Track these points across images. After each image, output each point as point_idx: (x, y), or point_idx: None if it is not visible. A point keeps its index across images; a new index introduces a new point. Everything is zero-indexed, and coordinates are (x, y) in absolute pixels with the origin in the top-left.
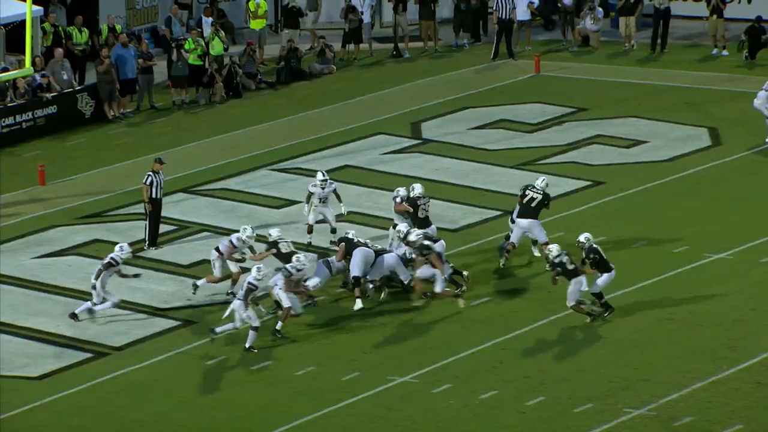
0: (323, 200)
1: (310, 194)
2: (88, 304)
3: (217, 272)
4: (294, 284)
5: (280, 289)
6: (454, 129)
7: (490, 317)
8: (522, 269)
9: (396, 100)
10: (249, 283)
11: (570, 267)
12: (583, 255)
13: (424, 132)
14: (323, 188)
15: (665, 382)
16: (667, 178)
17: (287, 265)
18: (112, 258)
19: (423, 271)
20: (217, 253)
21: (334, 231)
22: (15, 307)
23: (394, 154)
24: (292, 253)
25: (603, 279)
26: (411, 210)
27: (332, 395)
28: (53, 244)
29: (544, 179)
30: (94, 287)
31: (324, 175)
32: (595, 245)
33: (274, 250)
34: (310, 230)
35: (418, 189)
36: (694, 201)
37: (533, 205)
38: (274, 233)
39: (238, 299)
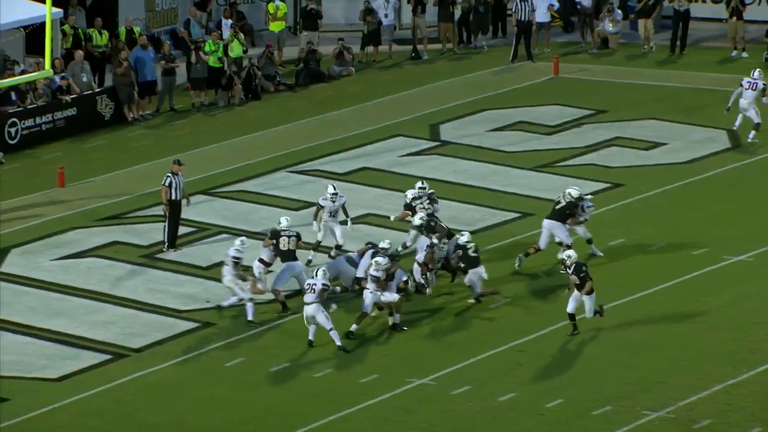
0: (333, 214)
1: (320, 208)
2: (234, 299)
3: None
4: (382, 283)
5: (369, 292)
6: (473, 131)
7: (508, 319)
8: (540, 272)
9: (414, 102)
10: (233, 256)
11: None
12: (571, 272)
13: (443, 134)
14: (333, 201)
15: (684, 385)
16: (686, 180)
17: (372, 270)
18: (234, 256)
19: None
20: (262, 266)
21: (339, 248)
22: (34, 309)
23: (412, 156)
24: (290, 252)
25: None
26: (411, 215)
27: (350, 398)
28: (72, 246)
29: (576, 189)
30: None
31: (334, 189)
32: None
33: (273, 242)
34: (316, 247)
35: (410, 193)
36: (713, 203)
37: (557, 207)
38: (283, 222)
39: (228, 272)
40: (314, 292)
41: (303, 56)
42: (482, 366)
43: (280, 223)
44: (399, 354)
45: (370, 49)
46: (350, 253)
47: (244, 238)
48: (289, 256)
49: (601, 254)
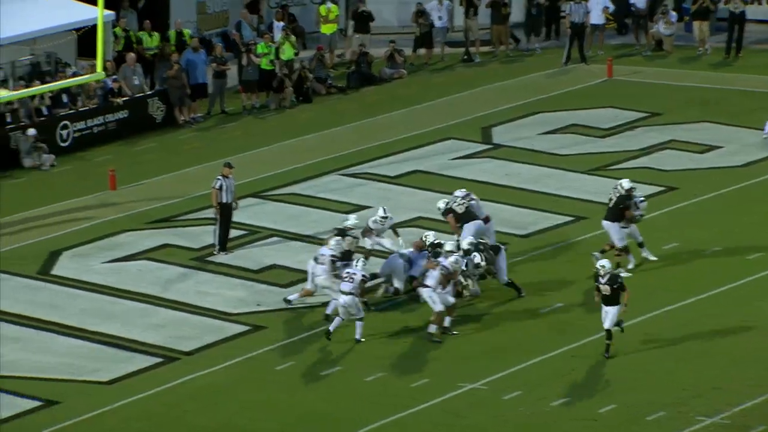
0: (380, 234)
1: (369, 230)
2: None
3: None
4: (448, 281)
5: (432, 291)
6: (525, 134)
7: (561, 324)
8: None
9: (466, 104)
10: (331, 255)
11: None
12: (604, 281)
13: (495, 137)
14: (383, 225)
15: (738, 391)
16: (741, 184)
17: (444, 262)
18: (333, 255)
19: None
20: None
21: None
22: (86, 312)
23: (464, 159)
24: (350, 253)
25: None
26: (455, 218)
27: (401, 402)
28: (123, 248)
29: (627, 181)
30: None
31: (385, 212)
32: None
33: (339, 239)
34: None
35: (440, 204)
36: None
37: (610, 206)
38: (351, 220)
39: (324, 272)
40: (353, 282)
41: (354, 59)
42: (534, 371)
43: (347, 220)
44: (451, 358)
45: (421, 51)
46: (404, 250)
47: (339, 237)
48: (348, 257)
49: (655, 258)
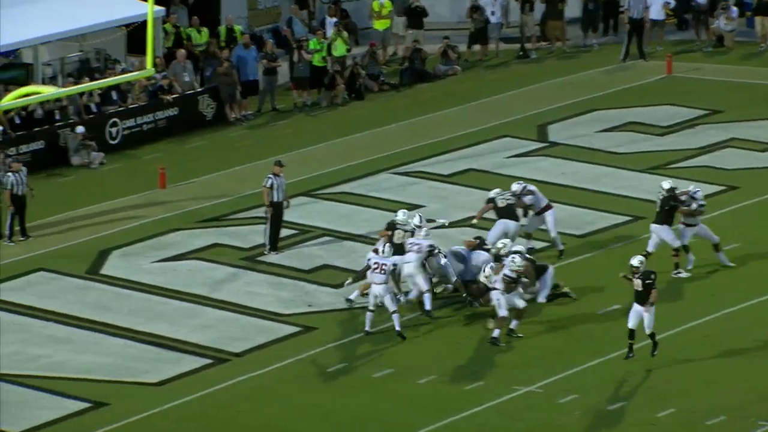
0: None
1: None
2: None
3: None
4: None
5: (500, 294)
6: (582, 132)
7: (618, 326)
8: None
9: (522, 101)
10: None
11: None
12: (637, 276)
13: (551, 135)
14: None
15: None
16: None
17: (506, 271)
18: (430, 244)
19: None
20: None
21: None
22: (135, 312)
23: (519, 157)
24: (401, 246)
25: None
26: (495, 211)
27: (454, 405)
28: (173, 248)
29: (666, 181)
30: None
31: (420, 221)
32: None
33: (390, 233)
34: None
35: (493, 192)
36: None
37: (657, 209)
38: (400, 215)
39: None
40: (384, 273)
41: (407, 55)
42: (591, 374)
43: (397, 215)
44: (506, 361)
45: (476, 47)
46: (456, 247)
47: (423, 228)
48: (398, 250)
49: (732, 264)
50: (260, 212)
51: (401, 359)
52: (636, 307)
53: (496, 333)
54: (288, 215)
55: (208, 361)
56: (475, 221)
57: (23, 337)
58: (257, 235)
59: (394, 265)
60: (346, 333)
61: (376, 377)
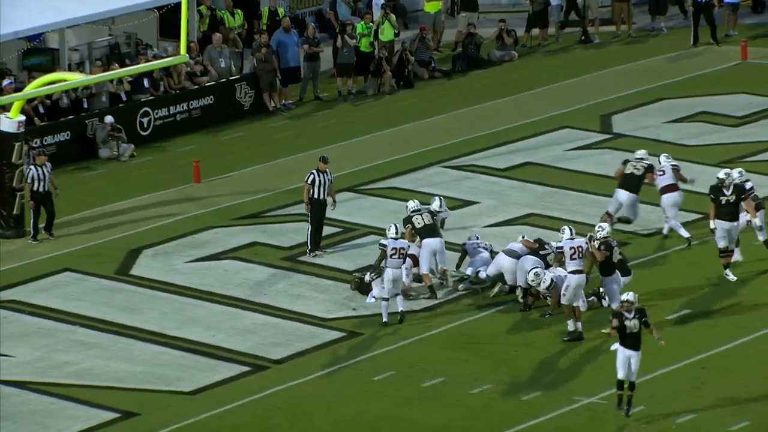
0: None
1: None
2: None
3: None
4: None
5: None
6: (649, 122)
7: (688, 332)
8: (723, 278)
9: (584, 90)
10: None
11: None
12: (633, 315)
13: (615, 126)
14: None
15: None
16: None
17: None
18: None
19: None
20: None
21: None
22: (167, 316)
23: (580, 150)
24: (427, 227)
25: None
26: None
27: (511, 417)
28: (208, 247)
29: (739, 170)
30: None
31: (441, 202)
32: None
33: (410, 227)
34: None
35: (410, 205)
36: None
37: (723, 203)
38: (410, 204)
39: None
40: (401, 257)
41: (461, 40)
42: (659, 383)
43: (408, 207)
44: (566, 370)
45: (535, 31)
46: (512, 245)
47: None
48: (427, 232)
49: (741, 259)
50: (302, 209)
51: (453, 367)
52: (627, 352)
53: (570, 326)
54: (331, 212)
55: (246, 368)
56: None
57: (48, 343)
58: (299, 233)
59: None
60: (393, 339)
61: (426, 387)
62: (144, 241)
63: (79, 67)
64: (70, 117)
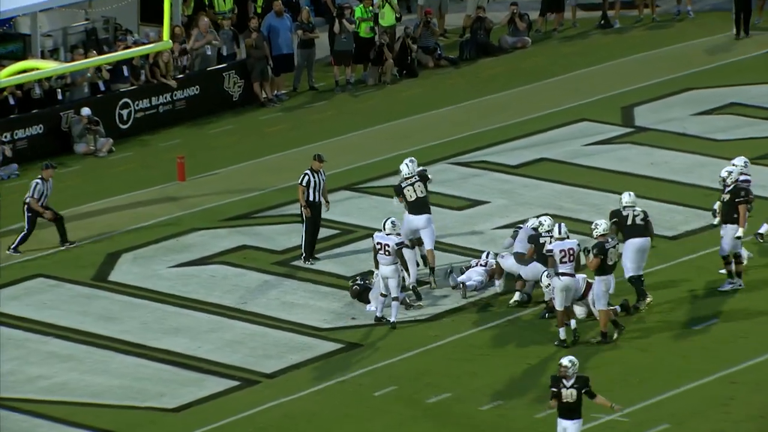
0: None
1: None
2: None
3: None
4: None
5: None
6: (674, 115)
7: (716, 343)
8: (753, 285)
9: (603, 79)
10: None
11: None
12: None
13: (637, 118)
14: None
15: None
16: None
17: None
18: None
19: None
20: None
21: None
22: (148, 325)
23: (599, 144)
24: (418, 201)
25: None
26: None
27: None
28: (193, 250)
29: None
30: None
31: (394, 225)
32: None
33: (400, 199)
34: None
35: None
36: None
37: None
38: (404, 170)
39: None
40: (389, 254)
41: (469, 24)
42: (684, 399)
43: (401, 171)
44: None
45: (550, 16)
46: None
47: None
48: (417, 206)
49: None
50: (296, 209)
51: (460, 381)
52: (563, 422)
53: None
54: (330, 214)
55: (234, 383)
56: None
57: (19, 355)
58: (292, 235)
59: (400, 243)
60: (396, 351)
61: (432, 403)
62: (123, 244)
63: (53, 54)
64: (44, 109)
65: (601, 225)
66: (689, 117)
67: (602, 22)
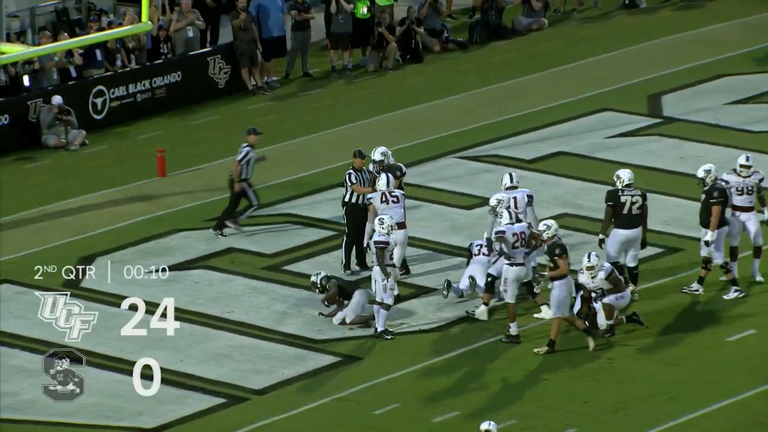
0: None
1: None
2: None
3: None
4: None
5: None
6: (706, 104)
7: (755, 356)
8: None
9: (627, 65)
10: (375, 241)
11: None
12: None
13: (666, 108)
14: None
15: None
16: None
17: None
18: None
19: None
20: None
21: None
22: (126, 337)
23: (623, 137)
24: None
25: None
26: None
27: None
28: (175, 254)
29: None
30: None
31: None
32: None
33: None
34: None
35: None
36: None
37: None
38: (376, 155)
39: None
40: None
41: (479, 4)
42: (718, 418)
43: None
44: (604, 401)
45: None
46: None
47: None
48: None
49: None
50: (288, 208)
51: (469, 399)
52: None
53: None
54: (328, 213)
55: (220, 400)
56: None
57: None
58: (283, 237)
59: (379, 242)
60: (398, 365)
61: (438, 422)
62: (97, 247)
63: (19, 37)
64: (9, 97)
65: (553, 226)
66: (723, 106)
67: (627, 1)
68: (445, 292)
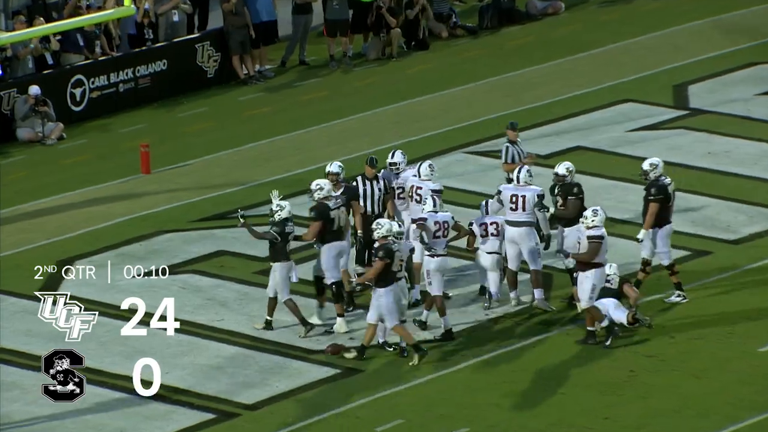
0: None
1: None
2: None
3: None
4: None
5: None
6: (736, 95)
7: None
8: None
9: (651, 52)
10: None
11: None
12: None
13: (692, 99)
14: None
15: None
16: None
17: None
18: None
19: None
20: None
21: None
22: (106, 346)
23: (647, 130)
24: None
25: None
26: None
27: None
28: (160, 257)
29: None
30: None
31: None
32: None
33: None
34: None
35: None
36: None
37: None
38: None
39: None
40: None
41: None
42: None
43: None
44: (627, 417)
45: None
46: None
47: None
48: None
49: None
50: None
51: (480, 414)
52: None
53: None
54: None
55: (209, 415)
56: None
57: None
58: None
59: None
60: (400, 377)
61: None
62: (76, 249)
63: None
64: None
65: (385, 225)
66: (754, 97)
67: None
68: (486, 304)
